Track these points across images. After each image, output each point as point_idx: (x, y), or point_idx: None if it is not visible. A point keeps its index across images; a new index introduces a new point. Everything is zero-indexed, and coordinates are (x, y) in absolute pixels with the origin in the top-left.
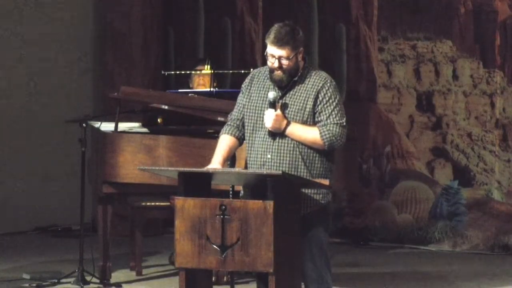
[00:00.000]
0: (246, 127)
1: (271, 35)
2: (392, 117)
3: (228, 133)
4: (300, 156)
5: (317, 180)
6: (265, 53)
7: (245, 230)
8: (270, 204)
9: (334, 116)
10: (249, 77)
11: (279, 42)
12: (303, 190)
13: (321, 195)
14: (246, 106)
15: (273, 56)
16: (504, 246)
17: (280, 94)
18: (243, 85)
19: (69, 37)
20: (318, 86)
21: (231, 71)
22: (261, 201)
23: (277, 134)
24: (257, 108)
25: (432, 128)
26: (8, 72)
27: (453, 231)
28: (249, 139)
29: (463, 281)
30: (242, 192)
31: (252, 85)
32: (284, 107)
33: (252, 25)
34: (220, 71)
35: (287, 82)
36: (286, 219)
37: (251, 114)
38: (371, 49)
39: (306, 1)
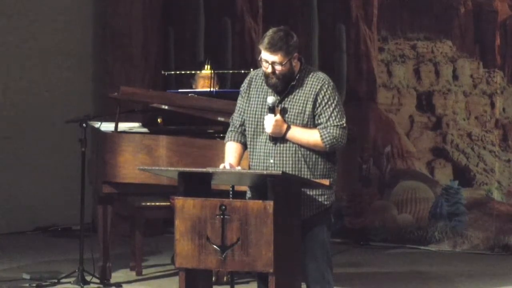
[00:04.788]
0: (247, 132)
1: (265, 41)
2: (392, 117)
3: (233, 140)
4: (302, 159)
5: (317, 180)
6: (259, 58)
7: (245, 230)
8: (270, 204)
9: (334, 118)
10: (247, 80)
11: (272, 47)
12: (308, 192)
13: (325, 196)
14: (245, 111)
15: (266, 61)
16: (504, 246)
17: (279, 98)
18: (241, 88)
19: (69, 37)
20: (316, 88)
21: (231, 71)
22: (261, 201)
23: (278, 138)
24: (256, 113)
25: (432, 128)
26: (8, 72)
27: (453, 231)
28: (250, 144)
29: (463, 281)
30: (248, 193)
31: (251, 88)
32: (283, 111)
33: (252, 25)
34: (220, 71)
35: (282, 87)
36: (286, 219)
37: (251, 119)
38: (371, 49)
39: (306, 1)
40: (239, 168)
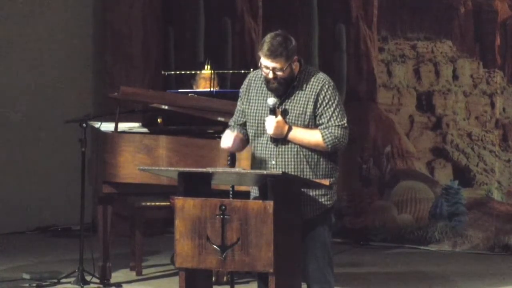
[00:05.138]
0: (248, 134)
1: (264, 48)
2: (392, 117)
3: (232, 130)
4: (304, 159)
5: (317, 180)
6: (259, 64)
7: (245, 230)
8: (270, 204)
9: (335, 118)
10: (246, 82)
11: (272, 54)
12: (310, 193)
13: (328, 196)
14: (246, 113)
15: (267, 67)
16: (504, 246)
17: (279, 100)
18: (241, 90)
19: (69, 37)
20: (317, 89)
21: (231, 71)
22: (261, 201)
23: (279, 139)
24: (257, 114)
25: (432, 128)
26: (8, 72)
27: (453, 231)
28: (251, 146)
29: (463, 281)
30: (255, 192)
31: (250, 90)
32: (284, 113)
33: (252, 25)
34: (220, 71)
35: (284, 90)
36: (286, 219)
37: (251, 121)
38: (371, 49)
39: (306, 1)
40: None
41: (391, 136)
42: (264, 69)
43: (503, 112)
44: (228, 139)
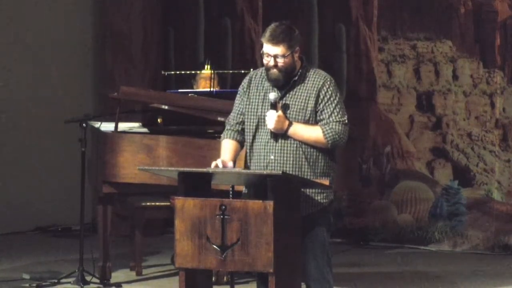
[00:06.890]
0: (247, 129)
1: (267, 34)
2: (392, 117)
3: (229, 138)
4: (303, 156)
5: (318, 180)
6: (261, 52)
7: (245, 230)
8: (270, 204)
9: (336, 114)
10: (246, 80)
11: (274, 40)
12: (306, 190)
13: (324, 194)
14: (246, 109)
15: (268, 54)
16: (504, 246)
17: (280, 94)
18: (240, 88)
19: (69, 37)
20: (318, 85)
21: (231, 71)
22: (261, 201)
23: (279, 135)
24: (257, 110)
25: (432, 128)
26: (8, 72)
27: (453, 231)
28: (251, 141)
29: (463, 281)
30: (244, 189)
31: (251, 87)
32: (285, 107)
33: (252, 25)
34: (220, 71)
35: (284, 81)
36: (286, 219)
37: (251, 116)
38: (371, 49)
39: (306, 1)
40: (231, 164)
41: (391, 136)
42: (265, 57)
43: (503, 112)
44: (225, 153)
